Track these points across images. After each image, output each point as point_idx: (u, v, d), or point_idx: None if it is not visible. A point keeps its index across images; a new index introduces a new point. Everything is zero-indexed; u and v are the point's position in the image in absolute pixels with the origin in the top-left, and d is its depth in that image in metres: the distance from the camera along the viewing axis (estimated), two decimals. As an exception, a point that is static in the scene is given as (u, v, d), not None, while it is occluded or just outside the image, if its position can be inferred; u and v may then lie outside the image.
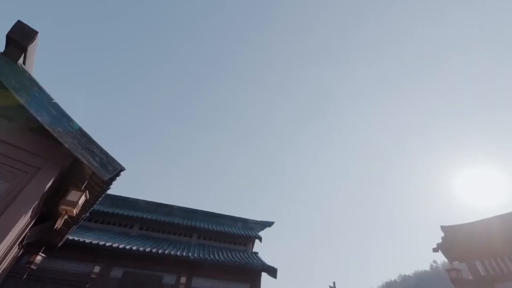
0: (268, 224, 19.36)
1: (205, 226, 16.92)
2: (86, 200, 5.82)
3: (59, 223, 5.33)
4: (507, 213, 10.94)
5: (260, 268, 13.40)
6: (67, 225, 7.43)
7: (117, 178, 5.60)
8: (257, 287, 13.36)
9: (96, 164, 5.15)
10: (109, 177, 5.22)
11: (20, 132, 4.94)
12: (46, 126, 4.81)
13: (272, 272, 13.29)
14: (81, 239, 11.31)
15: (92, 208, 6.65)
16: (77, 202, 5.12)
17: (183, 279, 11.97)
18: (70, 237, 10.79)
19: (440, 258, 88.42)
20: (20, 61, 5.03)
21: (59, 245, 9.12)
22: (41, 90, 5.04)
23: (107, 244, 11.50)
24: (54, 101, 5.08)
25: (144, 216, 16.01)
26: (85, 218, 7.33)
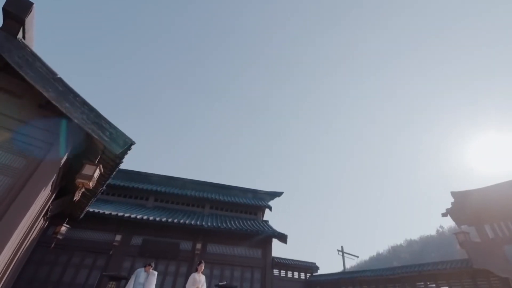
0: (277, 194, 19.83)
1: (217, 197, 17.50)
2: (101, 174, 6.02)
3: (77, 196, 5.58)
4: (521, 178, 10.75)
5: (271, 234, 14.01)
6: (86, 197, 7.79)
7: (128, 152, 5.72)
8: (269, 252, 14.10)
9: (106, 139, 5.23)
10: (120, 151, 5.32)
11: (29, 108, 4.98)
12: (54, 102, 4.82)
13: (283, 238, 13.90)
14: (101, 211, 11.96)
15: (107, 182, 6.90)
16: (92, 176, 5.30)
17: (198, 245, 12.72)
18: (91, 209, 11.40)
19: (447, 223, 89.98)
20: (20, 35, 4.90)
21: (81, 216, 9.68)
22: (44, 65, 4.96)
23: (126, 215, 12.15)
24: (58, 76, 5.02)
25: (158, 189, 16.63)
26: (102, 191, 7.66)
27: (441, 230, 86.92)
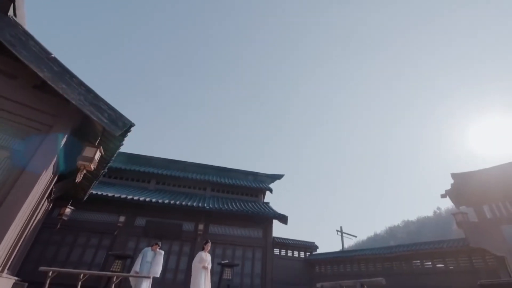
0: (278, 176, 20.00)
1: (218, 179, 17.68)
2: (101, 156, 6.01)
3: (79, 178, 5.59)
4: (522, 160, 10.75)
5: (272, 215, 14.28)
6: (88, 180, 7.84)
7: (128, 134, 5.66)
8: (269, 232, 14.43)
9: (105, 120, 5.15)
10: (119, 132, 5.26)
11: (25, 89, 4.87)
12: (49, 82, 4.70)
13: (283, 219, 14.17)
14: (105, 193, 12.13)
15: (109, 164, 6.91)
16: (93, 158, 5.29)
17: (201, 226, 13.02)
18: (95, 192, 11.56)
19: (444, 205, 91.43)
20: (10, 13, 4.70)
21: (85, 198, 9.82)
22: (38, 44, 4.79)
23: (129, 197, 12.33)
24: (53, 55, 4.87)
25: (160, 172, 16.77)
26: (104, 173, 7.69)
27: (438, 211, 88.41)
